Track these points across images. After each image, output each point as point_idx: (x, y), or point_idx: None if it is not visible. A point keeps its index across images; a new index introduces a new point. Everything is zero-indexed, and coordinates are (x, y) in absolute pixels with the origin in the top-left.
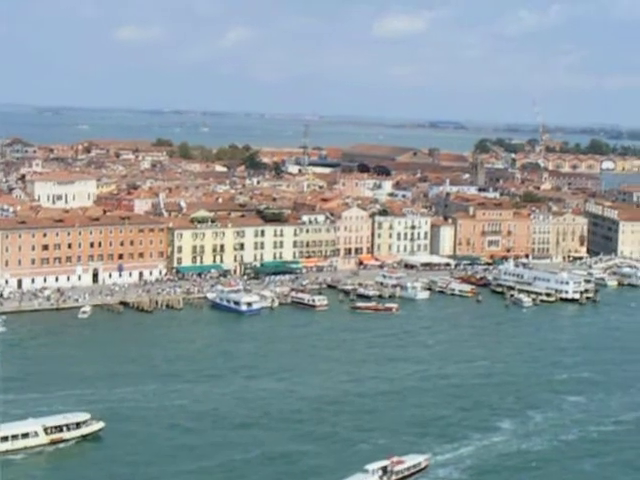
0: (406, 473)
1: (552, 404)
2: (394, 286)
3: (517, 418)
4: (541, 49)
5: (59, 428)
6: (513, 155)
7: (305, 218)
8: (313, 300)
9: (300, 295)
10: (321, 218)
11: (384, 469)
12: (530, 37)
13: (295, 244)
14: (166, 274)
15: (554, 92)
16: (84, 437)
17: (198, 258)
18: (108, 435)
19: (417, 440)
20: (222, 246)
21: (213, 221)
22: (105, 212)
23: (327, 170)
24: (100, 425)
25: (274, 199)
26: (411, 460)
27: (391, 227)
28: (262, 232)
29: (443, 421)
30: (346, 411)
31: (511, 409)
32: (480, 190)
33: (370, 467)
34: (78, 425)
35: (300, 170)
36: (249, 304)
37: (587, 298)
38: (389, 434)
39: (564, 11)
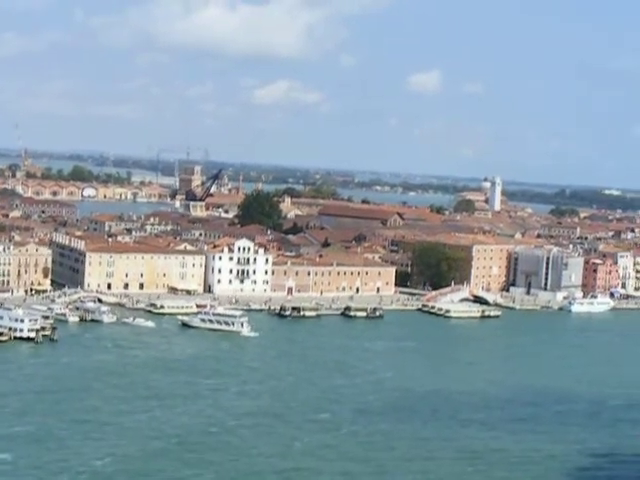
0: None
1: None
2: None
3: None
4: (28, 73)
5: None
6: None
7: None
8: None
9: None
10: None
11: None
12: (17, 61)
13: None
14: None
15: (42, 117)
16: None
17: None
18: None
19: None
20: None
21: None
22: None
23: None
24: None
25: None
26: None
27: None
28: None
29: None
30: None
31: None
32: None
33: None
34: None
35: None
36: None
37: (44, 336)
38: None
39: (51, 37)
